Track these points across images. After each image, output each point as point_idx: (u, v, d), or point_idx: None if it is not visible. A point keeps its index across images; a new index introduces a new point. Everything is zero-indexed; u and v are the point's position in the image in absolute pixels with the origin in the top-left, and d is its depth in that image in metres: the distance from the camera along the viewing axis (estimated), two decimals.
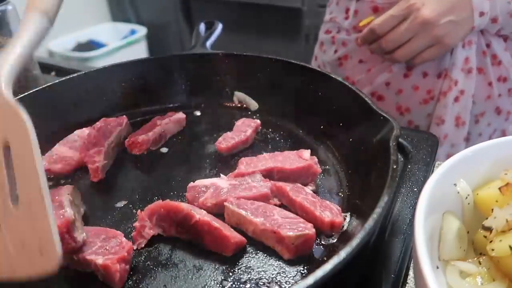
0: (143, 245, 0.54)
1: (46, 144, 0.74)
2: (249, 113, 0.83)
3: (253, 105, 0.82)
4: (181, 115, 0.79)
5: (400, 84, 1.01)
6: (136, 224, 0.55)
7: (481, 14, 0.88)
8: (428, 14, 0.85)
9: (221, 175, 0.65)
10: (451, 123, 0.99)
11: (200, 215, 0.54)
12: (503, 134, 1.06)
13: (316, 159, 0.64)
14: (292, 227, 0.51)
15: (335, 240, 0.54)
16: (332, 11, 1.10)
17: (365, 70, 1.04)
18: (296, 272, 0.50)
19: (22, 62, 0.51)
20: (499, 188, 0.44)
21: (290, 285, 0.48)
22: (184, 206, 0.55)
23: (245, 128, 0.74)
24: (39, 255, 0.43)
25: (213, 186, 0.61)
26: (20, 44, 0.51)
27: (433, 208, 0.42)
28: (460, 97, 0.98)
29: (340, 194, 0.61)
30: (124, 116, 0.77)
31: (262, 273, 0.50)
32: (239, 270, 0.50)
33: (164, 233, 0.56)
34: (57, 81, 0.76)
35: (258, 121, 0.76)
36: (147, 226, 0.55)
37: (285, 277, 0.49)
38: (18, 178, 0.45)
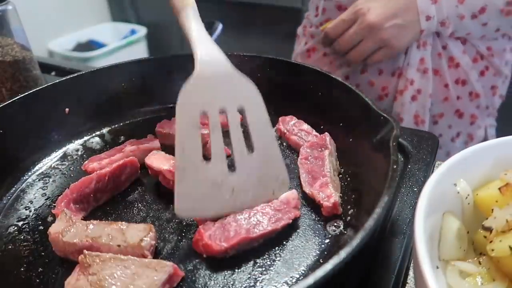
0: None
1: (45, 143, 0.74)
2: None
3: None
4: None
5: (357, 79, 1.05)
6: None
7: (428, 18, 0.89)
8: (373, 19, 0.89)
9: None
10: (410, 121, 1.02)
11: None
12: (471, 138, 1.09)
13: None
14: None
15: (335, 239, 0.54)
16: (309, 9, 1.17)
17: (328, 63, 1.09)
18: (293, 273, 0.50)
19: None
20: (499, 188, 0.44)
21: (290, 285, 0.48)
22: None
23: None
24: (275, 181, 0.58)
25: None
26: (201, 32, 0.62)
27: (433, 208, 0.42)
28: (417, 96, 1.00)
29: (340, 194, 0.61)
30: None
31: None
32: (231, 272, 0.51)
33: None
34: (57, 81, 0.76)
35: None
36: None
37: (284, 276, 0.49)
38: (254, 132, 0.57)
